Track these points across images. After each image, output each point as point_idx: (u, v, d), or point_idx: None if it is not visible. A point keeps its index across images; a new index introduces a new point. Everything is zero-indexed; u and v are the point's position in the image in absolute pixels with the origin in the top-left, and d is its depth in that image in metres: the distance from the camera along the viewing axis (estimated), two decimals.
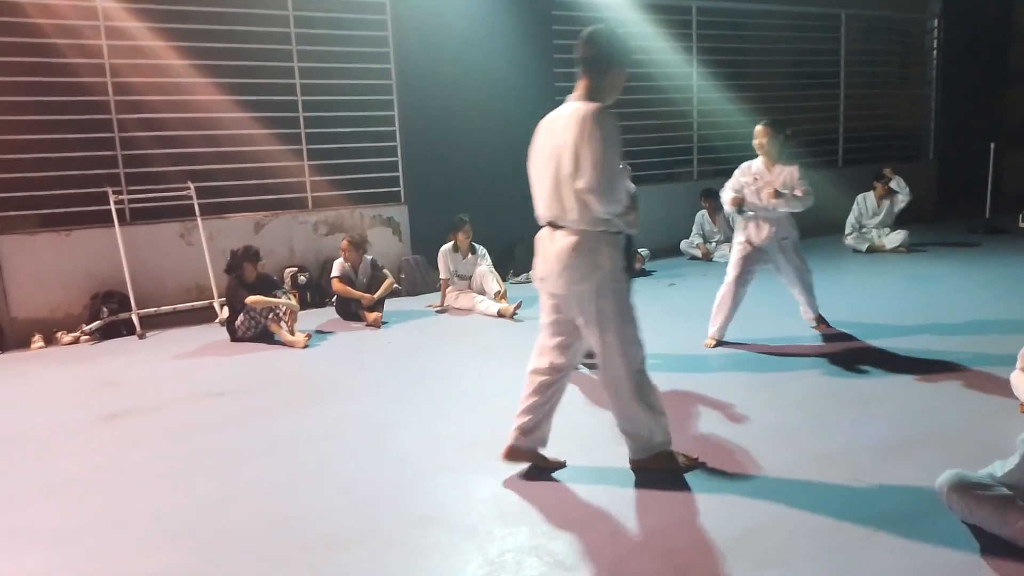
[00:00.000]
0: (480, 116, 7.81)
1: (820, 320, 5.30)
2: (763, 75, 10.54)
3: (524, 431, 3.20)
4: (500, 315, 6.24)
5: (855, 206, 8.76)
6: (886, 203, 8.61)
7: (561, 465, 3.28)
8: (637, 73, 9.18)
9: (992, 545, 2.49)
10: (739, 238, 5.13)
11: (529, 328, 5.86)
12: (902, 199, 8.52)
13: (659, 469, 3.17)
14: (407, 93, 7.62)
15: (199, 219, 6.68)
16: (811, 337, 5.21)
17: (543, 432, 3.23)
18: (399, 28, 7.50)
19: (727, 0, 9.83)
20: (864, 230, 8.72)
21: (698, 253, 8.63)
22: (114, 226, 6.32)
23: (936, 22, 11.16)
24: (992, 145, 9.58)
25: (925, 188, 11.07)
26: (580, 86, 3.01)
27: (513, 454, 3.23)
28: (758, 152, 5.05)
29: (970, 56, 11.17)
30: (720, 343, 5.12)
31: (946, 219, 10.45)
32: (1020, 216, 9.14)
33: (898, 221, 8.67)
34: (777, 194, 4.90)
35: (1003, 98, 11.77)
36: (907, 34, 11.78)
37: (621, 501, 2.95)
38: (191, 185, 6.61)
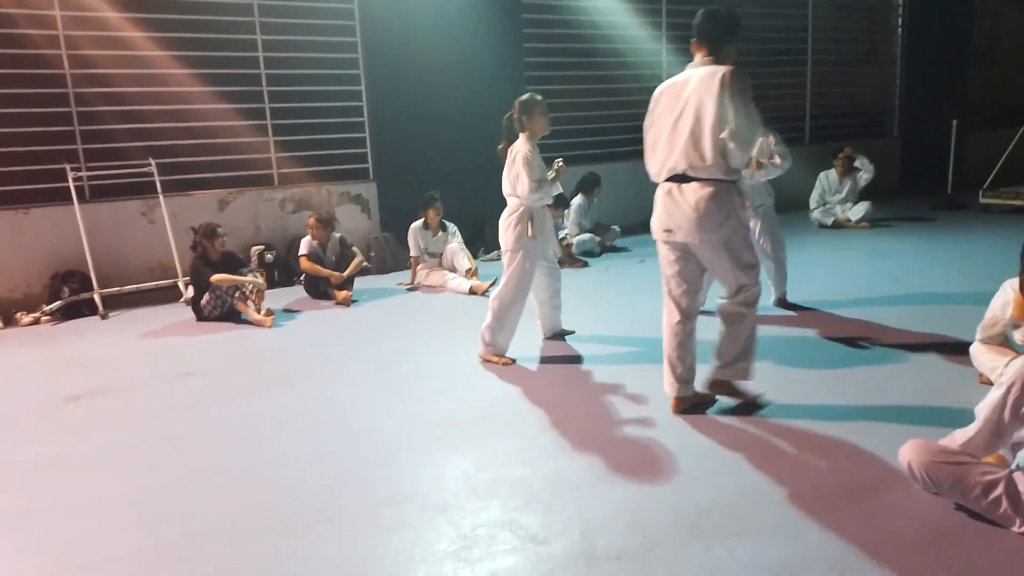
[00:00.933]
0: (449, 92, 7.71)
1: (783, 301, 5.35)
2: (731, 52, 10.55)
3: (683, 381, 3.52)
4: (472, 292, 6.22)
5: (818, 183, 8.88)
6: (848, 180, 8.74)
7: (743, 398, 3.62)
8: (607, 49, 9.16)
9: (952, 513, 2.56)
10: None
11: None
12: (866, 177, 8.66)
13: (730, 394, 3.59)
14: (374, 68, 7.49)
15: (161, 196, 6.53)
16: (777, 310, 5.28)
17: (694, 373, 3.56)
18: (365, 3, 7.34)
19: None
20: (828, 205, 8.85)
21: None
22: (73, 203, 6.15)
23: (901, 0, 11.26)
24: (955, 123, 9.73)
25: (889, 164, 11.23)
26: (701, 53, 3.36)
27: (681, 404, 3.54)
28: None
29: (935, 35, 11.30)
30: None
31: (909, 194, 10.62)
32: (980, 192, 9.32)
33: (862, 195, 8.79)
34: (759, 165, 5.01)
35: (966, 77, 11.95)
36: (873, 11, 11.88)
37: (590, 476, 2.98)
38: (152, 161, 6.45)
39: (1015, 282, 3.14)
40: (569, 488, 2.89)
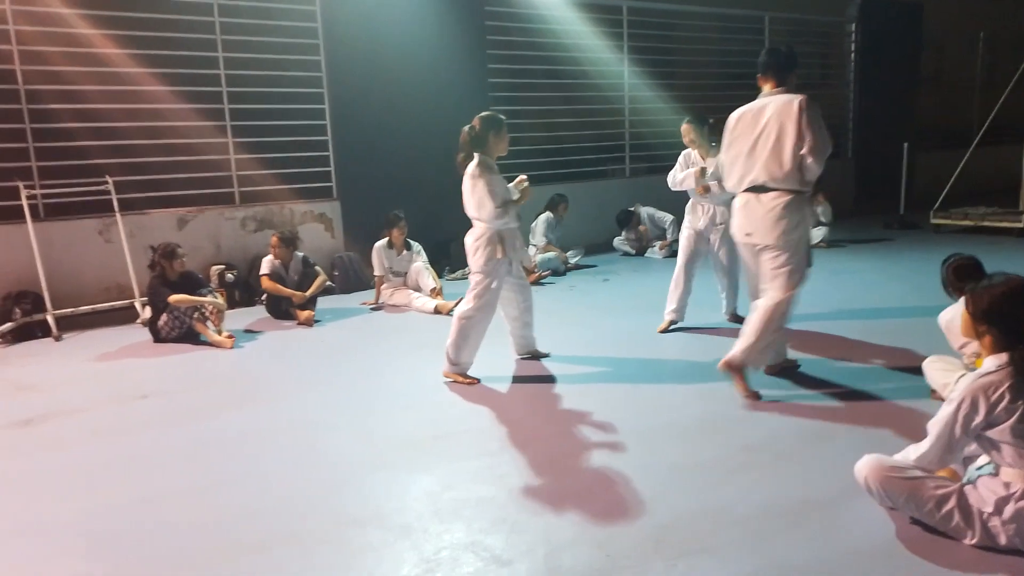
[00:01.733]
0: (414, 111, 7.73)
1: (735, 316, 5.49)
2: (692, 75, 10.79)
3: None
4: (437, 311, 6.20)
5: None
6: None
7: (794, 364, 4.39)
8: (570, 71, 9.29)
9: (907, 526, 2.61)
10: (685, 224, 5.43)
11: None
12: (823, 221, 8.78)
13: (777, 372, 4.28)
14: (338, 86, 7.47)
15: (118, 215, 6.40)
16: (732, 325, 5.35)
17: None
18: (329, 20, 7.34)
19: (656, 1, 10.02)
20: None
21: (630, 249, 8.77)
22: (27, 222, 6.00)
23: (853, 26, 11.64)
24: (906, 145, 10.06)
25: (844, 185, 11.54)
26: (770, 85, 3.97)
27: (772, 369, 4.27)
28: (690, 147, 5.37)
29: (886, 60, 11.69)
30: (673, 327, 5.38)
31: (863, 215, 10.92)
32: (931, 213, 9.62)
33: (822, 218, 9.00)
34: (705, 189, 5.18)
35: (915, 102, 12.37)
36: (827, 38, 12.25)
37: (555, 495, 2.98)
38: (109, 179, 6.33)
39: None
40: (534, 508, 2.88)
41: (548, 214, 8.02)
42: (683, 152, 5.44)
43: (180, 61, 6.85)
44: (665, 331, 5.34)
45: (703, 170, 5.20)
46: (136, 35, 6.66)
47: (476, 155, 4.29)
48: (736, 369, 3.96)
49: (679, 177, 5.35)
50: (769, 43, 10.94)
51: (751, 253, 4.08)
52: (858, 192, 11.76)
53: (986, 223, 9.11)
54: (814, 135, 3.73)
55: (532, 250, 7.89)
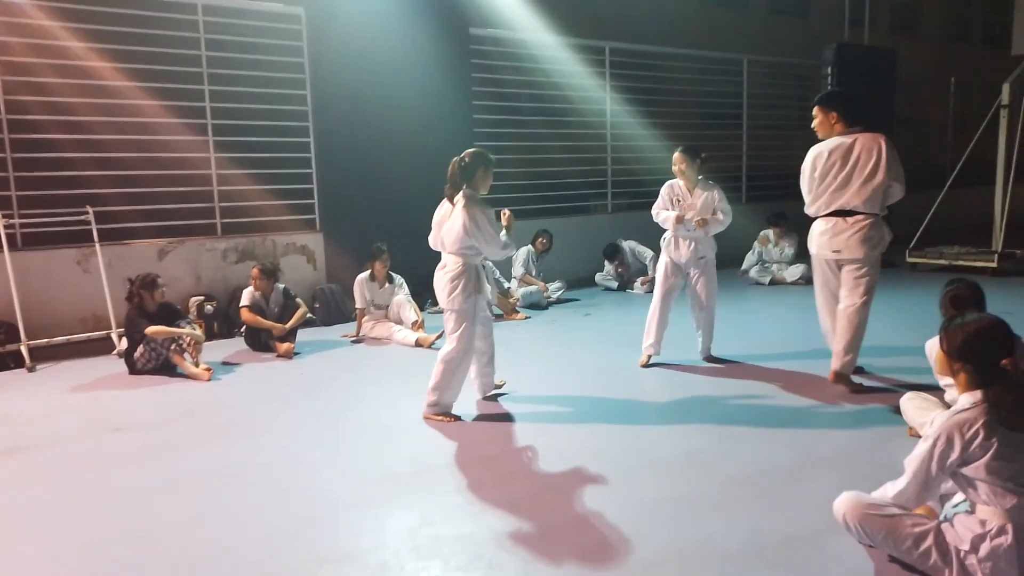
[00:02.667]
0: (398, 144, 7.79)
1: (710, 358, 5.50)
2: (673, 115, 11.00)
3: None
4: (418, 344, 6.18)
5: (756, 244, 9.22)
6: (784, 242, 9.14)
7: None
8: (554, 109, 9.43)
9: (885, 564, 2.61)
10: (663, 258, 5.41)
11: None
12: (788, 253, 9.05)
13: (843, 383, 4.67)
14: (323, 118, 7.52)
15: (98, 245, 6.35)
16: (720, 365, 5.39)
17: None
18: (315, 53, 7.41)
19: (637, 43, 10.24)
20: (766, 264, 9.18)
21: (612, 284, 8.83)
22: (3, 251, 5.93)
23: (830, 69, 11.93)
24: None
25: None
26: (842, 124, 4.59)
27: (840, 379, 4.68)
28: (678, 177, 5.32)
29: (860, 103, 11.96)
30: (651, 362, 5.38)
31: None
32: (907, 252, 9.78)
33: (798, 255, 9.14)
34: (704, 222, 5.17)
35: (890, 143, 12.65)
36: (804, 80, 12.56)
37: (534, 532, 2.95)
38: (90, 209, 6.29)
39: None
40: (513, 545, 2.85)
41: (529, 247, 8.08)
42: (666, 184, 5.38)
43: (164, 91, 6.88)
44: (646, 365, 5.35)
45: (680, 217, 5.19)
46: (120, 65, 6.69)
47: (463, 188, 4.28)
48: (843, 378, 4.64)
49: (661, 217, 5.35)
50: (748, 85, 11.20)
51: (832, 268, 4.71)
52: None
53: (960, 262, 9.28)
54: (897, 167, 4.45)
55: (513, 283, 7.93)
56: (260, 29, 7.24)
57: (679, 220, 5.20)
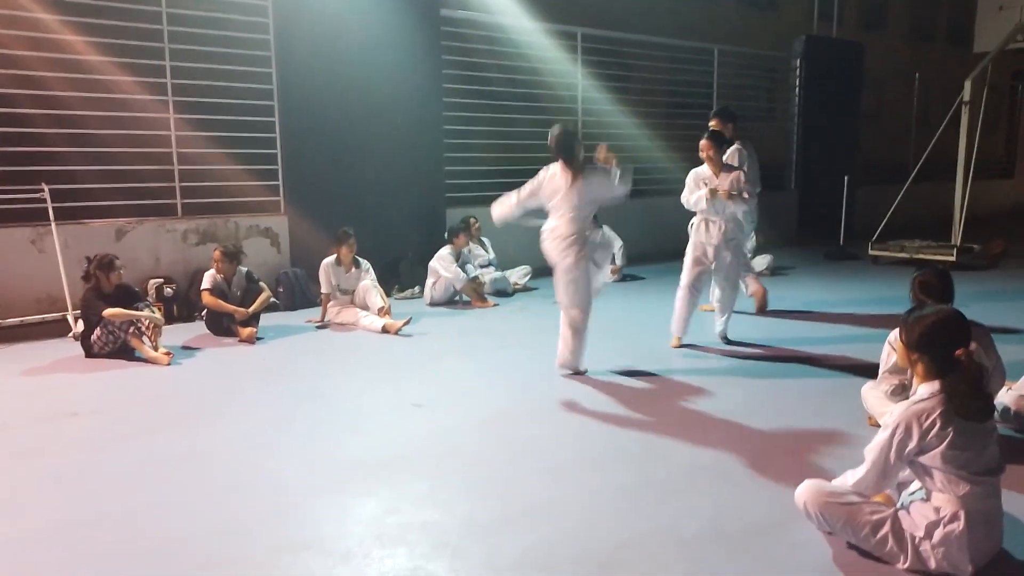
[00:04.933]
0: (366, 125, 7.67)
1: (724, 338, 5.74)
2: (644, 102, 11.01)
3: None
4: (385, 331, 6.12)
5: None
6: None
7: None
8: (525, 93, 9.36)
9: (844, 551, 2.65)
10: (692, 243, 5.61)
11: (415, 344, 5.79)
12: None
13: None
14: (289, 98, 7.35)
15: (53, 224, 6.16)
16: (687, 356, 5.44)
17: None
18: (281, 32, 7.24)
19: (610, 30, 10.22)
20: None
21: None
22: None
23: (798, 62, 12.06)
24: (846, 178, 10.42)
25: (787, 216, 11.88)
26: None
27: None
28: (706, 162, 5.55)
29: (828, 96, 12.13)
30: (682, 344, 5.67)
31: (805, 245, 11.24)
32: (870, 245, 9.96)
33: (763, 246, 9.24)
34: (730, 195, 5.39)
35: (856, 137, 12.86)
36: (773, 72, 12.67)
37: (501, 518, 2.94)
38: (45, 187, 6.09)
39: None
40: (479, 531, 2.84)
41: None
42: (692, 171, 5.62)
43: (124, 65, 6.68)
44: (678, 347, 5.59)
45: (714, 191, 5.39)
46: (79, 39, 6.47)
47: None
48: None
49: (692, 200, 5.52)
50: (718, 76, 11.26)
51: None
52: (801, 223, 12.11)
53: (921, 255, 9.47)
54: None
55: (482, 270, 7.86)
56: (224, 4, 7.05)
57: (713, 194, 5.39)
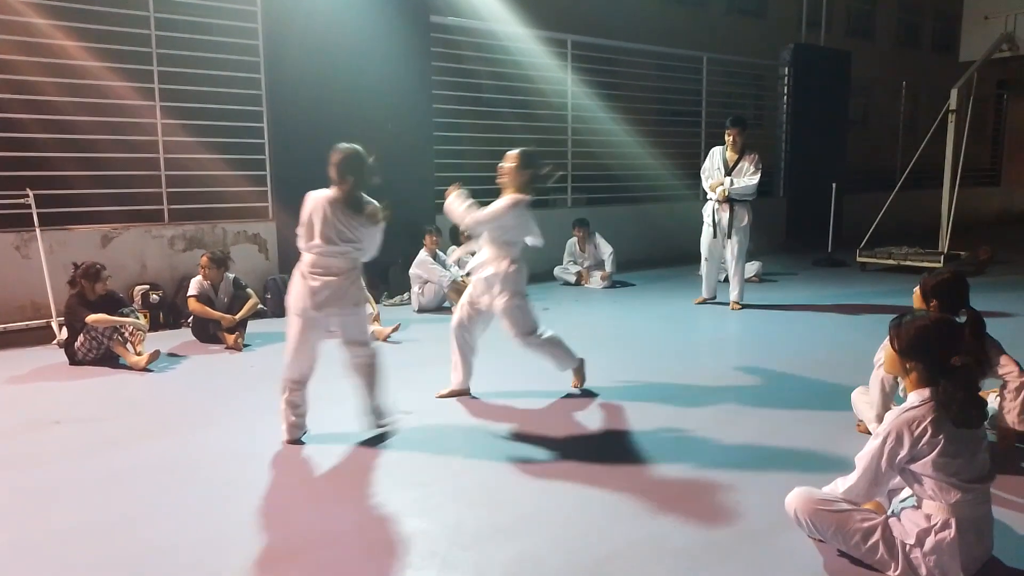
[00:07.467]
0: (356, 130, 7.48)
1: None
2: (633, 110, 11.04)
3: None
4: (373, 337, 6.06)
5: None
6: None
7: None
8: (515, 100, 9.35)
9: (835, 558, 2.64)
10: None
11: (404, 351, 5.75)
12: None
13: None
14: (278, 103, 7.33)
15: (38, 230, 6.09)
16: (677, 362, 5.42)
17: None
18: (271, 38, 7.22)
19: (600, 37, 10.24)
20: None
21: (571, 279, 8.82)
22: None
23: (787, 70, 12.13)
24: (834, 185, 10.47)
25: (776, 223, 11.93)
26: None
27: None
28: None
29: (816, 104, 12.21)
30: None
31: (793, 252, 11.28)
32: (857, 251, 10.00)
33: (752, 254, 9.25)
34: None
35: (843, 144, 12.94)
36: (761, 80, 12.74)
37: (490, 528, 2.91)
38: (30, 192, 6.02)
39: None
40: (468, 541, 2.81)
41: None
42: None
43: (112, 71, 6.62)
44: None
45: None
46: (64, 43, 6.42)
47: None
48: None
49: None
50: (707, 83, 11.32)
51: None
52: (789, 230, 12.16)
53: (908, 262, 9.52)
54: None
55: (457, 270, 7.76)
56: (213, 9, 7.02)
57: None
